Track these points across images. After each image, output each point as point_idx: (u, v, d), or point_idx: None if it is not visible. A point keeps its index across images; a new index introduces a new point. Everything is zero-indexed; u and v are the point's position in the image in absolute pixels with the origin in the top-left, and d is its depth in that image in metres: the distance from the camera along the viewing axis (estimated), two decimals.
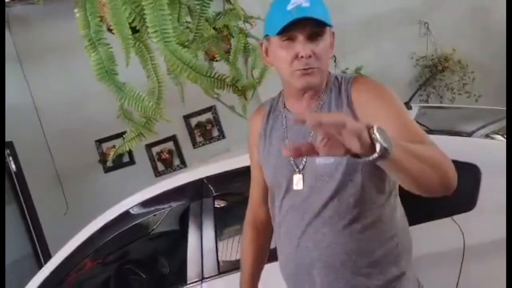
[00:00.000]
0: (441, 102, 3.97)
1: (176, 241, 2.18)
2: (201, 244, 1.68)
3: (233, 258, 1.69)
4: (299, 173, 1.18)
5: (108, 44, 1.69)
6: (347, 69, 4.23)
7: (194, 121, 4.26)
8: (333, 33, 1.21)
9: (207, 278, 1.64)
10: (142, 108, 1.63)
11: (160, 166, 4.34)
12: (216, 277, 1.63)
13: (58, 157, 4.34)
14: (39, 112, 4.33)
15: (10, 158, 3.90)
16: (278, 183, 1.24)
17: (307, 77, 1.15)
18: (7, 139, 3.87)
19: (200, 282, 1.62)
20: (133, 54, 1.78)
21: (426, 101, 4.03)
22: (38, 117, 4.32)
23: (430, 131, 1.71)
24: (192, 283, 1.65)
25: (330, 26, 1.17)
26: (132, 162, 4.34)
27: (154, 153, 4.33)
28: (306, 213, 1.17)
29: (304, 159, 1.18)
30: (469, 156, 1.42)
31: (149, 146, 4.24)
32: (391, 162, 0.88)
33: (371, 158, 0.85)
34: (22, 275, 3.51)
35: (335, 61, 4.25)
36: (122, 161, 4.31)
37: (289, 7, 1.12)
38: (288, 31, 1.13)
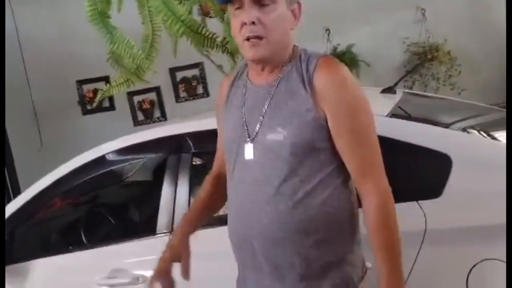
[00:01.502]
0: (425, 91, 4.02)
1: (148, 192, 2.20)
2: (174, 197, 1.70)
3: None
4: (250, 143, 1.18)
5: None
6: (338, 44, 4.23)
7: (180, 75, 4.23)
8: (298, 3, 1.20)
9: None
10: (131, 55, 1.62)
11: (140, 116, 4.32)
12: None
13: (37, 93, 4.27)
14: (22, 44, 4.21)
15: None
16: (230, 150, 1.24)
17: (254, 48, 1.14)
18: None
19: (169, 234, 1.66)
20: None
21: (411, 88, 4.07)
22: (20, 50, 4.20)
23: (409, 117, 1.76)
24: (161, 233, 1.68)
25: None
26: (112, 107, 4.31)
27: (136, 102, 4.30)
28: (252, 189, 1.18)
29: (257, 129, 1.18)
30: (443, 146, 1.46)
31: (131, 94, 4.20)
32: None
33: None
34: None
35: (328, 34, 4.24)
36: (102, 106, 4.26)
37: None
38: None
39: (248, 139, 1.18)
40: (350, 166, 1.15)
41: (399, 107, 1.82)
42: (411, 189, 1.46)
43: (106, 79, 3.94)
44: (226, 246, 1.27)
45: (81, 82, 4.26)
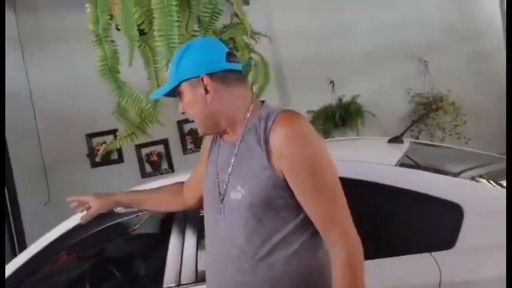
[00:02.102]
0: (431, 141, 4.03)
1: (155, 244, 2.17)
2: (182, 250, 1.68)
3: None
4: (221, 203, 1.21)
5: (114, 42, 1.71)
6: (343, 96, 4.30)
7: (187, 127, 4.27)
8: (201, 79, 1.20)
9: (184, 284, 1.64)
10: (139, 109, 1.65)
11: (148, 168, 4.33)
12: (193, 285, 1.63)
13: (47, 145, 4.32)
14: (33, 99, 4.32)
15: None
16: (208, 207, 1.28)
17: (198, 128, 1.28)
18: None
19: (176, 287, 1.62)
20: (137, 55, 1.81)
21: (417, 138, 4.09)
22: (32, 104, 4.31)
23: (418, 167, 1.75)
24: (168, 287, 1.65)
25: (185, 80, 1.22)
26: (120, 160, 4.33)
27: (143, 154, 4.33)
28: (221, 247, 1.21)
29: (224, 188, 1.21)
30: (454, 195, 1.45)
31: (139, 147, 4.24)
32: None
33: None
34: None
35: (333, 86, 4.32)
36: (111, 158, 4.30)
37: None
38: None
39: (220, 199, 1.22)
40: (314, 220, 1.14)
41: (407, 156, 1.82)
42: (423, 240, 1.44)
43: (114, 132, 4.01)
44: None
45: (90, 136, 4.32)
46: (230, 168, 1.21)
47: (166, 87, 1.26)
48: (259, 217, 1.14)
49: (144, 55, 1.83)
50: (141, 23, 1.61)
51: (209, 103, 1.21)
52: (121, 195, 1.66)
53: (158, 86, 1.81)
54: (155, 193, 1.62)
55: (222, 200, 1.21)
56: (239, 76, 1.25)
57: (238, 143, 1.21)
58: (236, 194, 1.17)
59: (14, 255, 3.61)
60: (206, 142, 1.40)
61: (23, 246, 3.71)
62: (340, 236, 1.10)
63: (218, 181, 1.24)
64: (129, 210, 1.82)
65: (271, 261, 1.14)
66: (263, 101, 1.27)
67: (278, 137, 1.13)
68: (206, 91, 1.20)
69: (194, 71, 1.20)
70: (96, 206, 1.66)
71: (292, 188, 1.13)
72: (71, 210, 2.00)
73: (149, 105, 1.62)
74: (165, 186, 1.61)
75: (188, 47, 1.24)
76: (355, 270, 1.09)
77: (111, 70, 1.65)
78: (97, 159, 4.06)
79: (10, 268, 1.87)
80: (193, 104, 1.23)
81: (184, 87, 1.23)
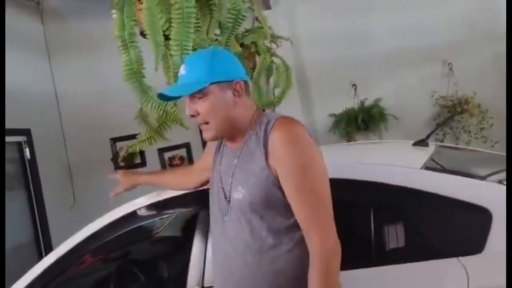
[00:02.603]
0: (456, 144, 3.96)
1: (178, 247, 2.19)
2: (205, 253, 1.69)
3: None
4: (228, 204, 1.31)
5: (139, 47, 1.74)
6: (366, 99, 4.26)
7: None
8: (237, 83, 1.29)
9: (207, 287, 1.64)
10: (164, 112, 1.67)
11: None
12: None
13: (72, 150, 4.41)
14: (59, 104, 4.42)
15: (26, 145, 3.96)
16: (214, 207, 1.37)
17: (204, 133, 1.32)
18: (26, 126, 3.94)
19: None
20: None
21: (442, 141, 4.03)
22: (58, 109, 4.41)
23: (444, 170, 1.72)
24: None
25: (213, 82, 1.27)
26: (143, 163, 4.39)
27: (166, 158, 4.37)
28: (227, 244, 1.29)
29: (228, 190, 1.30)
30: (482, 199, 1.42)
31: (161, 151, 4.29)
32: None
33: None
34: (22, 261, 3.55)
35: (355, 90, 4.29)
36: (134, 162, 4.35)
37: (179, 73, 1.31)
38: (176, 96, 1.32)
39: (226, 201, 1.31)
40: (298, 219, 1.22)
41: (433, 159, 1.79)
42: (450, 245, 1.41)
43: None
44: None
45: (114, 140, 4.39)
46: (232, 171, 1.30)
47: (193, 86, 1.26)
48: (260, 214, 1.24)
49: (164, 60, 1.85)
50: (166, 29, 1.63)
51: (234, 108, 1.29)
52: (143, 175, 1.88)
53: None
54: (169, 174, 1.84)
55: (229, 202, 1.30)
56: (248, 88, 1.37)
57: (241, 148, 1.31)
58: (238, 194, 1.26)
59: (40, 257, 3.69)
60: (211, 146, 1.51)
61: (49, 249, 3.78)
62: (318, 239, 1.18)
63: (222, 184, 1.34)
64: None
65: (275, 254, 1.22)
66: (263, 110, 1.40)
67: (274, 140, 1.22)
68: (235, 95, 1.29)
69: (229, 76, 1.28)
70: (124, 183, 1.87)
71: (282, 187, 1.22)
72: (95, 212, 2.04)
73: (174, 108, 1.64)
74: (175, 169, 1.82)
75: (215, 52, 1.31)
76: (328, 271, 1.16)
77: (136, 74, 1.67)
78: (119, 161, 4.15)
79: (37, 270, 1.91)
80: (217, 106, 1.28)
81: (214, 88, 1.27)
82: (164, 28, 1.62)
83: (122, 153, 1.98)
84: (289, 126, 1.24)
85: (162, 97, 1.36)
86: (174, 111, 1.66)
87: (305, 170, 1.20)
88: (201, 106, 1.27)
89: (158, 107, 1.65)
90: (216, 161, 1.42)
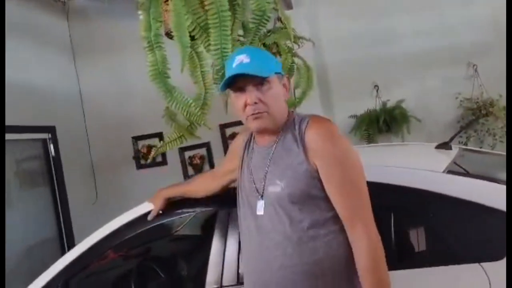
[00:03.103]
0: (480, 147, 3.89)
1: (198, 246, 2.21)
2: (224, 252, 1.70)
3: None
4: (262, 199, 1.33)
5: (164, 48, 1.76)
6: (388, 100, 4.22)
7: (229, 131, 4.32)
8: (287, 78, 1.40)
9: (225, 286, 1.65)
10: (188, 113, 1.69)
11: (190, 170, 4.41)
12: (235, 286, 1.65)
13: (95, 148, 4.49)
14: (83, 102, 4.51)
15: (51, 142, 4.05)
16: (244, 205, 1.40)
17: (257, 121, 1.33)
18: (51, 123, 4.03)
19: None
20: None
21: (466, 144, 3.96)
22: (82, 107, 4.49)
23: (467, 174, 1.70)
24: None
25: (275, 73, 1.34)
26: (164, 162, 4.44)
27: (186, 157, 4.41)
28: (262, 237, 1.31)
29: (262, 185, 1.34)
30: (505, 204, 1.39)
31: (182, 150, 4.33)
32: None
33: None
34: (45, 256, 3.63)
35: (377, 91, 4.25)
36: (155, 161, 4.41)
37: (234, 64, 1.32)
38: (236, 83, 1.32)
39: (258, 196, 1.34)
40: (340, 213, 1.26)
41: (456, 163, 1.77)
42: (472, 250, 1.39)
43: (159, 136, 4.12)
44: None
45: (136, 138, 4.45)
46: (267, 167, 1.34)
47: (267, 71, 1.31)
48: (299, 207, 1.27)
49: (190, 60, 1.87)
50: (192, 30, 1.65)
51: (284, 101, 1.37)
52: (169, 190, 1.85)
53: (206, 89, 1.84)
54: (194, 183, 1.83)
55: (262, 196, 1.33)
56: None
57: (275, 144, 1.35)
58: (275, 188, 1.30)
59: (63, 252, 3.77)
60: (238, 143, 1.55)
61: (72, 244, 3.86)
62: (363, 231, 1.22)
63: (254, 180, 1.37)
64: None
65: (314, 246, 1.25)
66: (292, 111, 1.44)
67: (312, 136, 1.28)
68: (286, 89, 1.38)
69: (281, 69, 1.37)
70: (157, 205, 1.84)
71: (322, 180, 1.26)
72: (117, 209, 2.08)
73: (197, 109, 1.66)
74: (196, 177, 1.88)
75: (261, 50, 1.40)
76: (378, 261, 1.21)
77: (161, 75, 1.70)
78: (147, 161, 4.24)
79: (59, 265, 1.95)
80: (278, 96, 1.34)
81: (275, 79, 1.34)
82: (190, 29, 1.64)
83: (153, 154, 2.00)
84: (325, 123, 1.32)
85: (224, 85, 1.35)
86: (198, 112, 1.68)
87: (346, 163, 1.26)
88: (266, 94, 1.31)
89: (182, 107, 1.67)
90: (244, 160, 1.45)
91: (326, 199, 1.27)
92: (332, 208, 1.27)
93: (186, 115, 1.66)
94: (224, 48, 1.61)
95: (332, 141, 1.27)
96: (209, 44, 1.63)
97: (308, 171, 1.26)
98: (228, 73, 1.33)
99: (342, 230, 1.26)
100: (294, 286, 1.25)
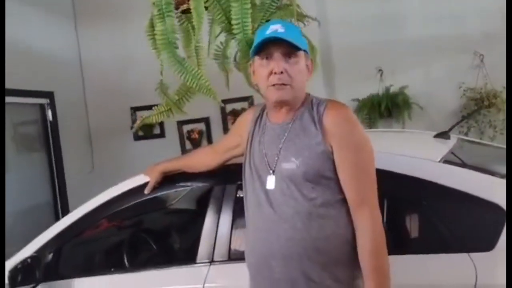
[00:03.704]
0: (481, 138, 3.87)
1: (191, 220, 2.22)
2: (217, 228, 1.71)
3: (243, 249, 1.72)
4: (272, 174, 1.35)
5: (174, 17, 1.72)
6: (391, 85, 4.18)
7: (229, 107, 4.29)
8: (310, 60, 1.42)
9: (216, 261, 1.67)
10: (197, 85, 1.66)
11: (188, 145, 4.40)
12: (225, 262, 1.66)
13: (94, 116, 4.47)
14: (83, 69, 4.46)
15: (49, 108, 4.03)
16: (254, 178, 1.41)
17: (279, 92, 1.34)
18: (50, 89, 4.00)
19: (209, 264, 1.65)
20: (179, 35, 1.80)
21: (466, 134, 3.94)
22: (81, 74, 4.45)
23: (463, 165, 1.69)
24: (201, 263, 1.68)
25: (303, 50, 1.36)
26: (162, 135, 4.43)
27: (185, 131, 4.40)
28: (271, 211, 1.33)
29: (275, 161, 1.36)
30: (497, 197, 1.40)
31: (181, 123, 4.32)
32: None
33: None
34: (38, 221, 3.65)
35: (381, 75, 4.21)
36: (153, 133, 4.40)
37: (268, 32, 1.33)
38: (265, 50, 1.33)
39: (270, 170, 1.36)
40: (349, 195, 1.30)
41: (453, 153, 1.76)
42: (461, 240, 1.40)
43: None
44: None
45: (135, 109, 4.43)
46: (281, 143, 1.36)
47: (295, 39, 1.33)
48: (312, 185, 1.30)
49: (185, 33, 1.82)
50: (206, 1, 1.62)
51: (305, 80, 1.39)
52: (168, 163, 1.86)
53: (199, 65, 1.80)
54: (193, 157, 1.85)
55: (273, 171, 1.35)
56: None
57: (291, 122, 1.37)
58: (290, 165, 1.32)
59: (57, 218, 3.79)
60: (246, 117, 1.56)
61: (66, 211, 3.88)
62: (369, 215, 1.26)
63: (266, 154, 1.39)
64: None
65: (323, 223, 1.29)
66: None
67: (331, 119, 1.32)
68: (308, 70, 1.40)
69: (304, 47, 1.38)
70: (153, 178, 1.85)
71: (336, 162, 1.30)
72: (113, 179, 2.08)
73: (208, 82, 1.64)
74: (196, 151, 1.92)
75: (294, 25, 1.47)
76: (381, 245, 1.25)
77: (170, 44, 1.66)
78: (133, 130, 4.21)
79: (53, 231, 1.96)
80: (302, 72, 1.36)
81: (302, 56, 1.37)
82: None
83: (137, 123, 1.96)
84: (343, 107, 1.36)
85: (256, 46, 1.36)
86: (208, 85, 1.65)
87: (360, 148, 1.30)
88: (293, 67, 1.33)
89: (191, 79, 1.64)
90: (255, 134, 1.47)
91: (337, 181, 1.30)
92: (341, 191, 1.31)
93: (196, 87, 1.64)
94: (245, 22, 1.60)
95: (350, 126, 1.32)
96: (222, 16, 1.63)
97: (325, 152, 1.30)
98: (260, 40, 1.34)
99: (348, 213, 1.30)
100: (299, 259, 1.28)
